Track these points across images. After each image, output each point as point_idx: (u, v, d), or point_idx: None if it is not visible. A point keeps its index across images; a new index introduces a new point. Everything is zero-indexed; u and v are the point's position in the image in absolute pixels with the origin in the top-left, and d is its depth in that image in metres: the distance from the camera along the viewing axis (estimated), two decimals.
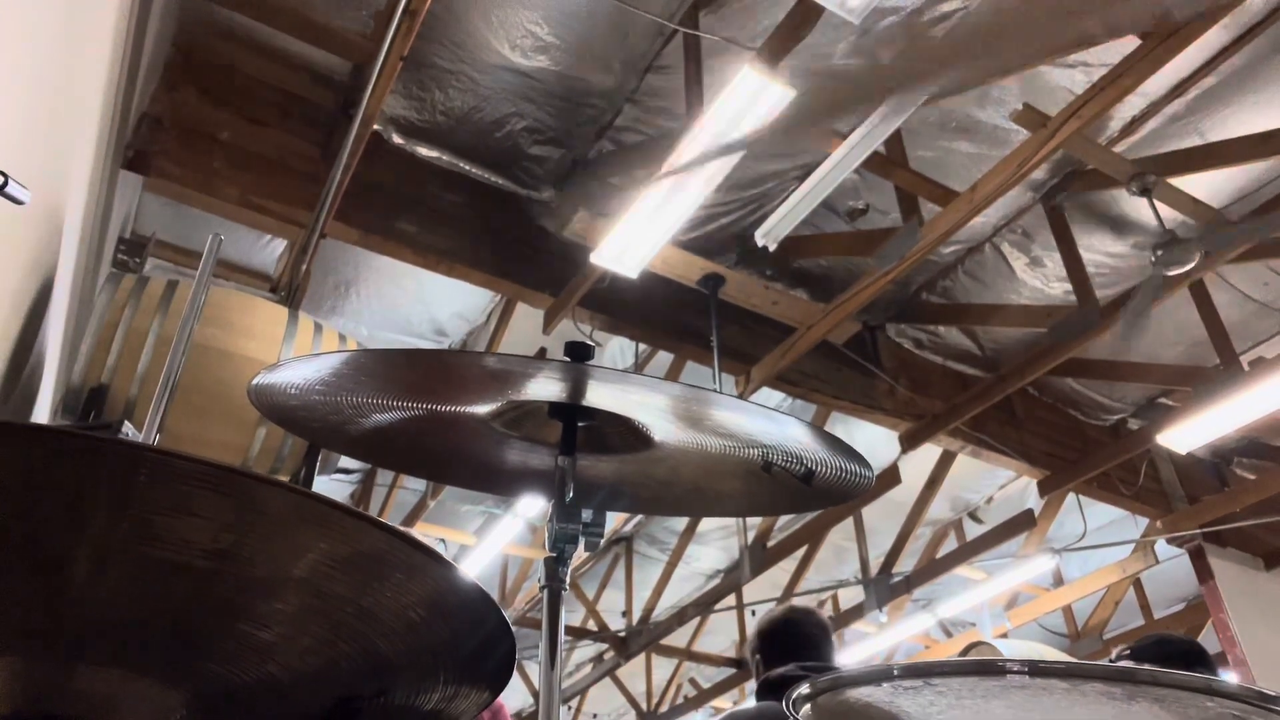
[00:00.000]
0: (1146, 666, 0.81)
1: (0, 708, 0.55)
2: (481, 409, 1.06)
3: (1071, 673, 0.82)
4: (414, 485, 6.37)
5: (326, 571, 0.54)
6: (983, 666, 0.84)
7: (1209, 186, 4.14)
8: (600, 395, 1.02)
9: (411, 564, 0.57)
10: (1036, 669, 0.81)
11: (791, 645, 2.17)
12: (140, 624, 0.55)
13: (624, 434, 1.08)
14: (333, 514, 0.52)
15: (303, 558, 0.54)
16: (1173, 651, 2.37)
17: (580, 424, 1.06)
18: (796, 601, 6.84)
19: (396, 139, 4.09)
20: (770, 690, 2.07)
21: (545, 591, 1.00)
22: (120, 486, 0.48)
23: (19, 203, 1.20)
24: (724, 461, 1.10)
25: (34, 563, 0.50)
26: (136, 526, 0.50)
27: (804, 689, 0.83)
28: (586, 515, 1.04)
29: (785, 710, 0.82)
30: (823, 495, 1.10)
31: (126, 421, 2.00)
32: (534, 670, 8.46)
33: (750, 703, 2.25)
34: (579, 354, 0.98)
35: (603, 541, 1.06)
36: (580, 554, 1.21)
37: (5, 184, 1.08)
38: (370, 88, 3.17)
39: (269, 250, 4.61)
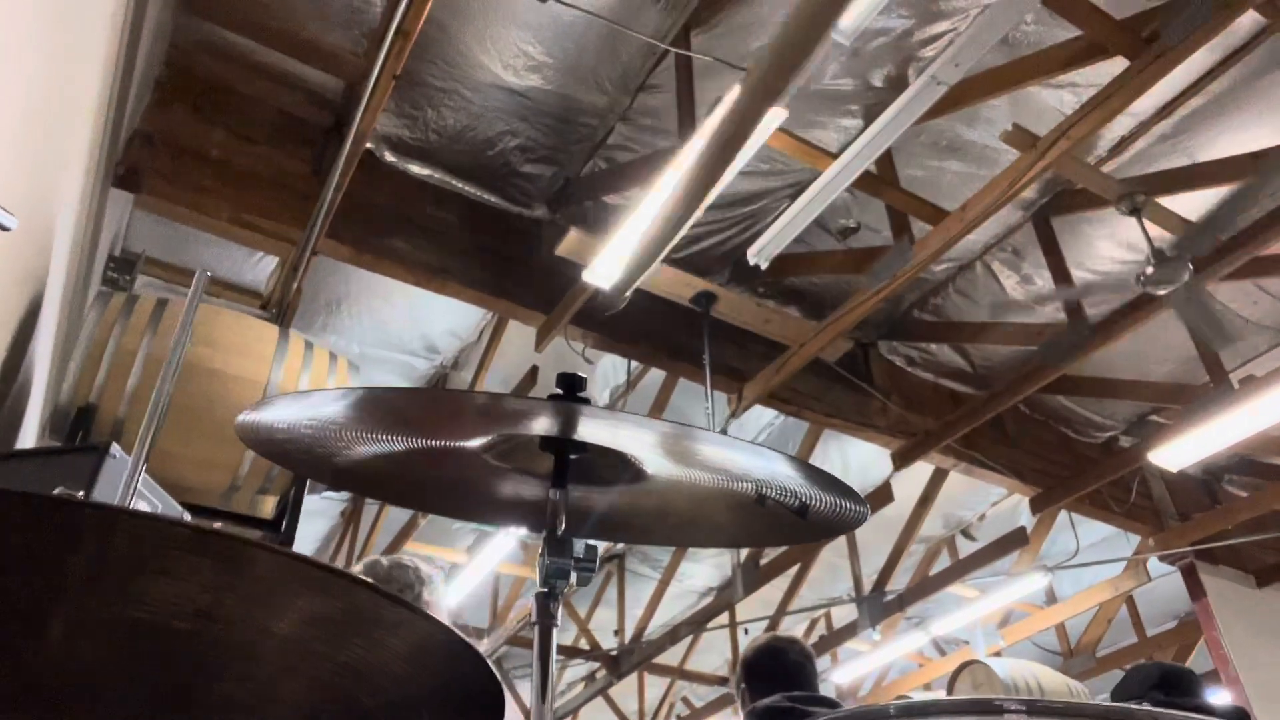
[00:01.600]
0: (1144, 706, 0.81)
1: None
2: (472, 442, 1.05)
3: (1069, 712, 0.82)
4: None
5: (308, 630, 0.53)
6: (980, 705, 0.84)
7: (1198, 206, 4.16)
8: (592, 430, 1.01)
9: (394, 620, 0.56)
10: (1034, 708, 0.81)
11: (778, 675, 2.17)
12: (119, 684, 0.53)
13: (616, 466, 1.07)
14: (315, 573, 0.51)
15: (284, 617, 0.53)
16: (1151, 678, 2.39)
17: (572, 456, 1.05)
18: (785, 623, 6.83)
19: (389, 157, 4.09)
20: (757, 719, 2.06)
21: (536, 628, 0.99)
22: (97, 549, 0.47)
23: (5, 229, 1.19)
24: (717, 494, 1.09)
25: (9, 624, 0.49)
26: (114, 588, 0.49)
27: None
28: (579, 550, 1.02)
29: None
30: (817, 528, 1.09)
31: (115, 443, 1.98)
32: (525, 689, 8.40)
33: None
34: (571, 387, 0.97)
35: (594, 575, 1.05)
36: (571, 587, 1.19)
37: None
38: (363, 106, 3.17)
39: (260, 267, 4.59)
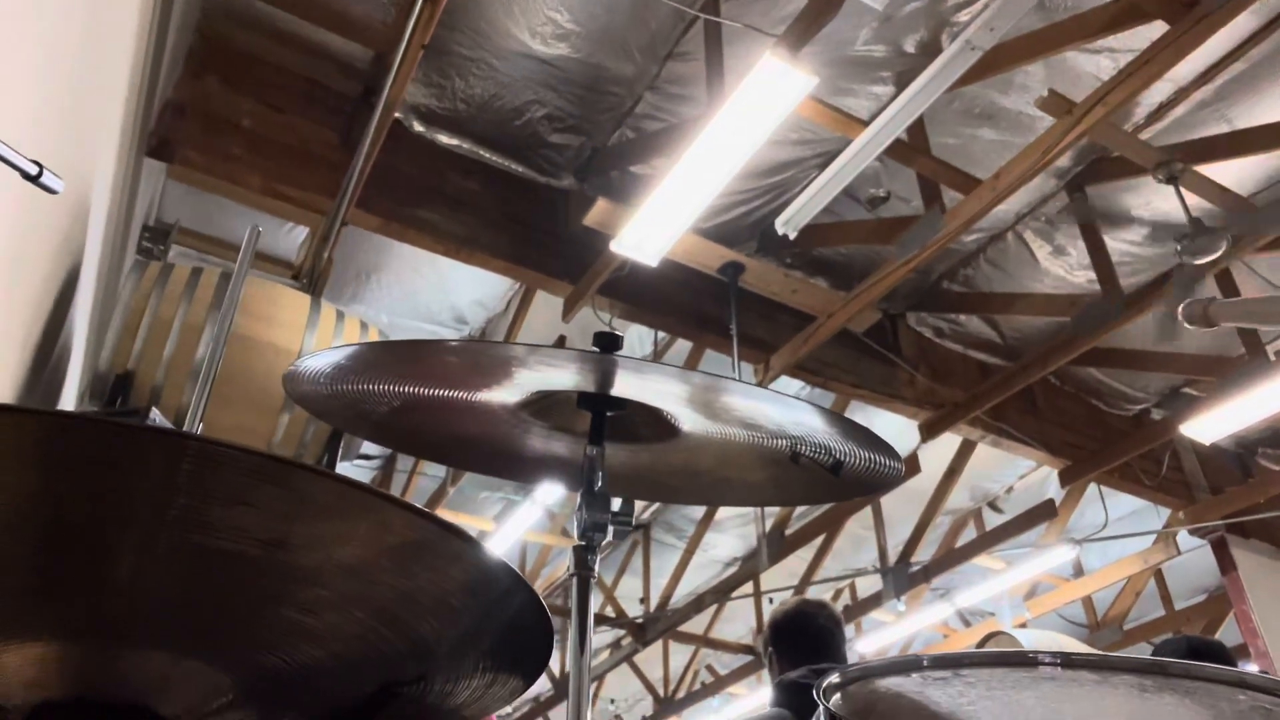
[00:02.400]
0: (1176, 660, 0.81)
1: (52, 692, 0.57)
2: (511, 398, 1.07)
3: (1103, 665, 0.82)
4: (434, 471, 6.41)
5: (372, 560, 0.55)
6: (1013, 658, 0.84)
7: (1236, 174, 4.08)
8: (630, 386, 1.02)
9: (453, 551, 0.58)
10: (1069, 661, 0.81)
11: (805, 640, 2.18)
12: (189, 610, 0.56)
13: (651, 423, 1.08)
14: (379, 504, 0.52)
15: (349, 546, 0.55)
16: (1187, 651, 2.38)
17: (609, 413, 1.06)
18: (809, 594, 6.85)
19: (417, 126, 4.10)
20: (784, 693, 2.07)
21: (575, 579, 1.01)
22: (168, 476, 0.49)
23: (53, 192, 1.21)
24: (751, 451, 1.10)
25: (84, 551, 0.51)
26: (185, 515, 0.51)
27: (834, 678, 0.83)
28: (615, 504, 1.04)
29: (816, 698, 0.83)
30: (851, 486, 1.10)
31: (154, 408, 2.03)
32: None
33: (766, 695, 2.25)
34: (608, 345, 0.98)
35: (630, 531, 1.06)
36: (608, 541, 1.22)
37: (40, 174, 1.09)
38: (392, 75, 3.17)
39: (291, 237, 4.64)
